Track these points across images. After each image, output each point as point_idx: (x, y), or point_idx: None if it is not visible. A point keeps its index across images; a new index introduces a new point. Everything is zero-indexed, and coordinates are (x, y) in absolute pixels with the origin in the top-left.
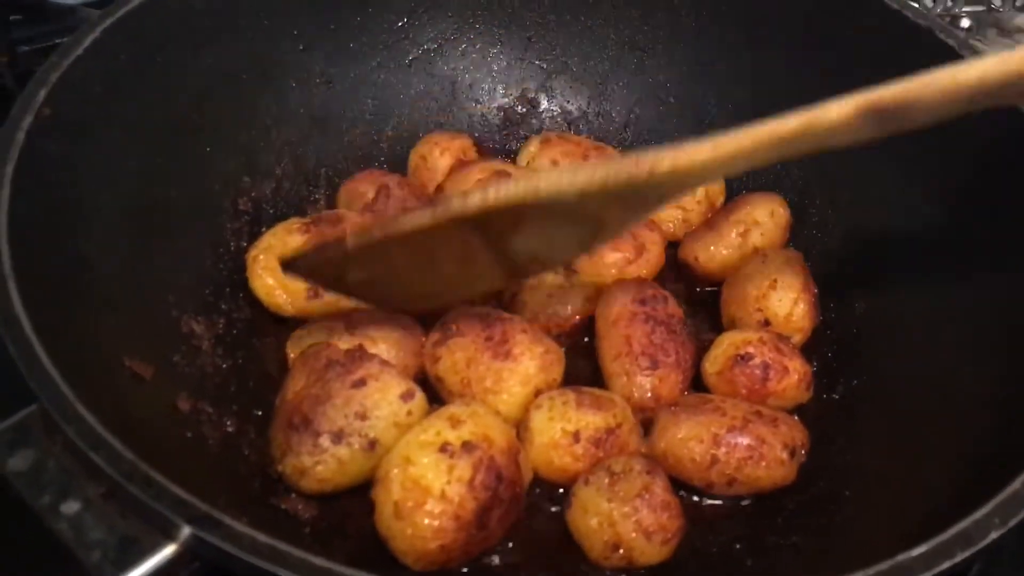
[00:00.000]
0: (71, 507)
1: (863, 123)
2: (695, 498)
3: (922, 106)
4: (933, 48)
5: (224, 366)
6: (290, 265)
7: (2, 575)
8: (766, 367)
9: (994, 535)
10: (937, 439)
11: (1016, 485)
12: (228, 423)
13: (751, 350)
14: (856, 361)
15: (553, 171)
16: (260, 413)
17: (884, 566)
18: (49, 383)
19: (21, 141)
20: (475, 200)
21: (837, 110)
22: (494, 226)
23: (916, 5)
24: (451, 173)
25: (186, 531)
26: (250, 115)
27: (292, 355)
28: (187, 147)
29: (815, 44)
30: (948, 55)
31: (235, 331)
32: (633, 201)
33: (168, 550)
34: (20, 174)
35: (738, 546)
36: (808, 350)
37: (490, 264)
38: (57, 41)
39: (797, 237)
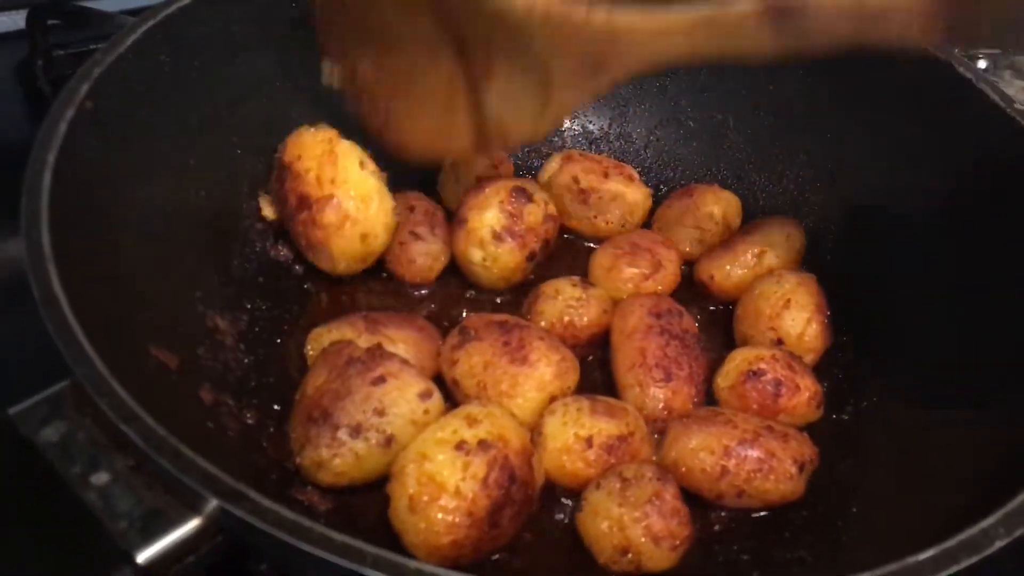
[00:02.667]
0: (100, 478)
1: (764, 23)
2: (703, 510)
3: (819, 17)
4: (950, 81)
5: (246, 361)
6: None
7: (31, 540)
8: (778, 383)
9: (999, 543)
10: (944, 460)
11: (1022, 498)
12: (248, 416)
13: (763, 366)
14: (866, 384)
15: None
16: (279, 408)
17: (892, 567)
18: (84, 358)
19: (63, 132)
20: None
21: (742, 4)
22: (471, 54)
23: None
24: (468, 194)
25: (212, 504)
26: (281, 121)
27: (312, 352)
28: (219, 148)
29: (832, 70)
30: (964, 88)
31: (257, 328)
32: (575, 54)
33: (193, 523)
34: (61, 163)
35: (745, 557)
36: (819, 371)
37: (465, 112)
38: (92, 47)
39: (811, 262)
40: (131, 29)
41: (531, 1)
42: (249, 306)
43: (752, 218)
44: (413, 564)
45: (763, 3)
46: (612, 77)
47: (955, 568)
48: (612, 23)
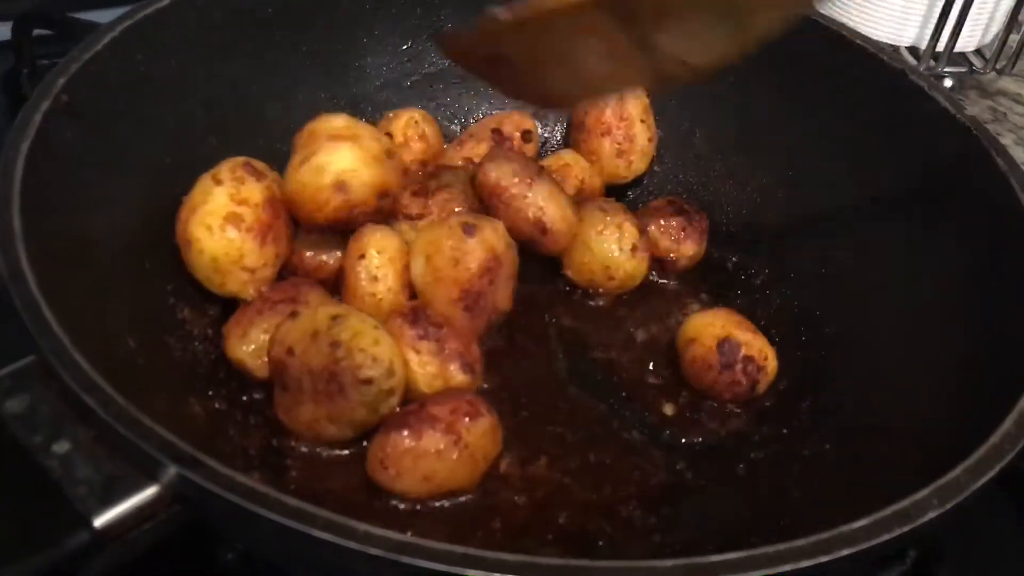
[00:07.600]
0: (62, 447)
1: None
2: None
3: None
4: (906, 89)
5: (215, 354)
6: (443, 42)
7: None
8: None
9: (932, 514)
10: (892, 449)
11: (956, 472)
12: (216, 403)
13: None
14: (818, 387)
15: None
16: (245, 399)
17: (826, 535)
18: (49, 332)
19: (38, 122)
20: None
21: None
22: (636, 18)
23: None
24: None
25: (171, 471)
26: (256, 123)
27: None
28: (194, 148)
29: (797, 78)
30: (916, 95)
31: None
32: None
33: (151, 490)
34: (35, 151)
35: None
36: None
37: (635, 63)
38: None
39: (773, 264)
40: (108, 28)
41: None
42: (220, 300)
43: (718, 223)
44: (362, 527)
45: None
46: None
47: (888, 536)
48: None
